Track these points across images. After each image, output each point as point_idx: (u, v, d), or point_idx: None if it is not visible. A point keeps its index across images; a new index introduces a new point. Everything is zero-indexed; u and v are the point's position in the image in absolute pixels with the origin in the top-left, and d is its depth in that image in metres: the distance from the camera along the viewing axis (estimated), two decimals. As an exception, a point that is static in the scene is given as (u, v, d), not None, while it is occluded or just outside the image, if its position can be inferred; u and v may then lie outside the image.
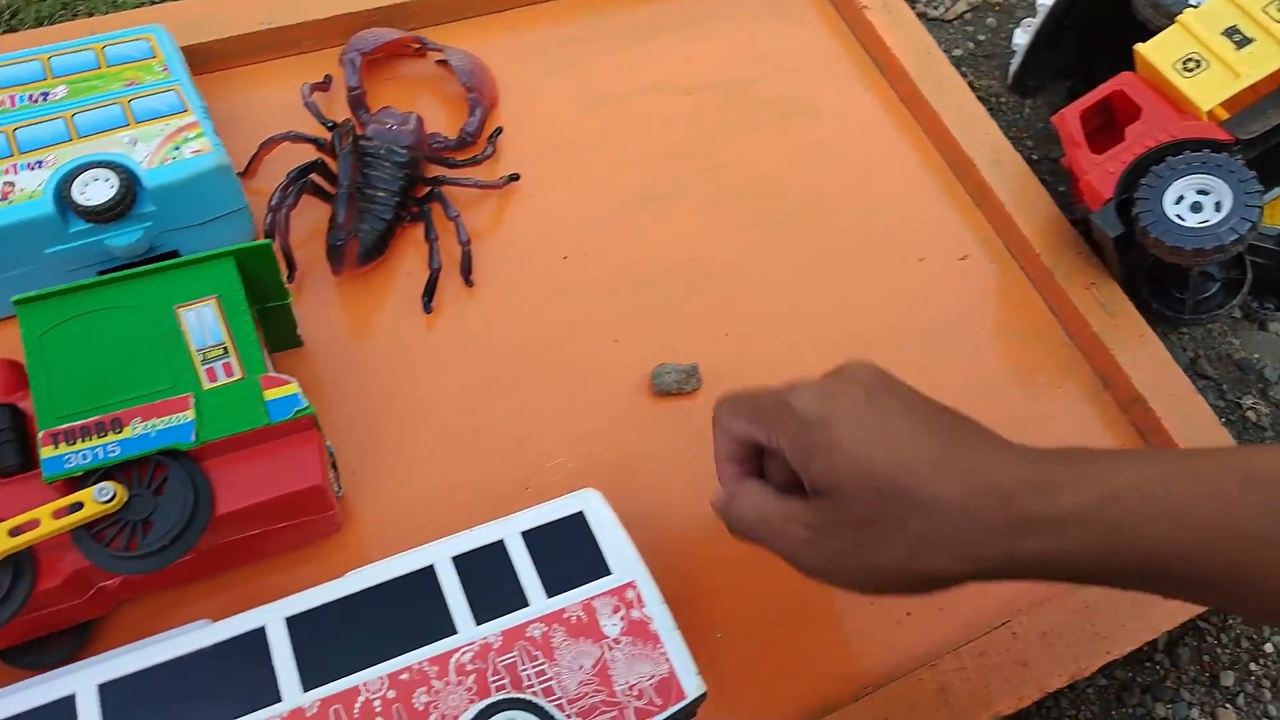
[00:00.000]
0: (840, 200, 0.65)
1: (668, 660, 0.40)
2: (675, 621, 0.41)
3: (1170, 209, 0.56)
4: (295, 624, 0.39)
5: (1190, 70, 0.59)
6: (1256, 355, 0.68)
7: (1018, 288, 0.63)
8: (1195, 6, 0.62)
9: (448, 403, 0.54)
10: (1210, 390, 0.66)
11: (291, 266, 0.55)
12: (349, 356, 0.54)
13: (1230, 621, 0.59)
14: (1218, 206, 0.55)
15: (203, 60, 0.60)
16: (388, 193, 0.55)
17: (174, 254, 0.53)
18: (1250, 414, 0.65)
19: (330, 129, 0.58)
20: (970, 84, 0.78)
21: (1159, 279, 0.65)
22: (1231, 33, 0.59)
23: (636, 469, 0.53)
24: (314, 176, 0.55)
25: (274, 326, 0.51)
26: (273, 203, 0.54)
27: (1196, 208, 0.56)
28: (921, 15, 0.81)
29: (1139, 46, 0.61)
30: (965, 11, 0.81)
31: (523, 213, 0.61)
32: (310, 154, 0.57)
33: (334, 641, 0.39)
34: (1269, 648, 0.58)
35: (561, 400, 0.55)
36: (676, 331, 0.58)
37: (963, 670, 0.48)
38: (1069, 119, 0.62)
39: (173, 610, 0.46)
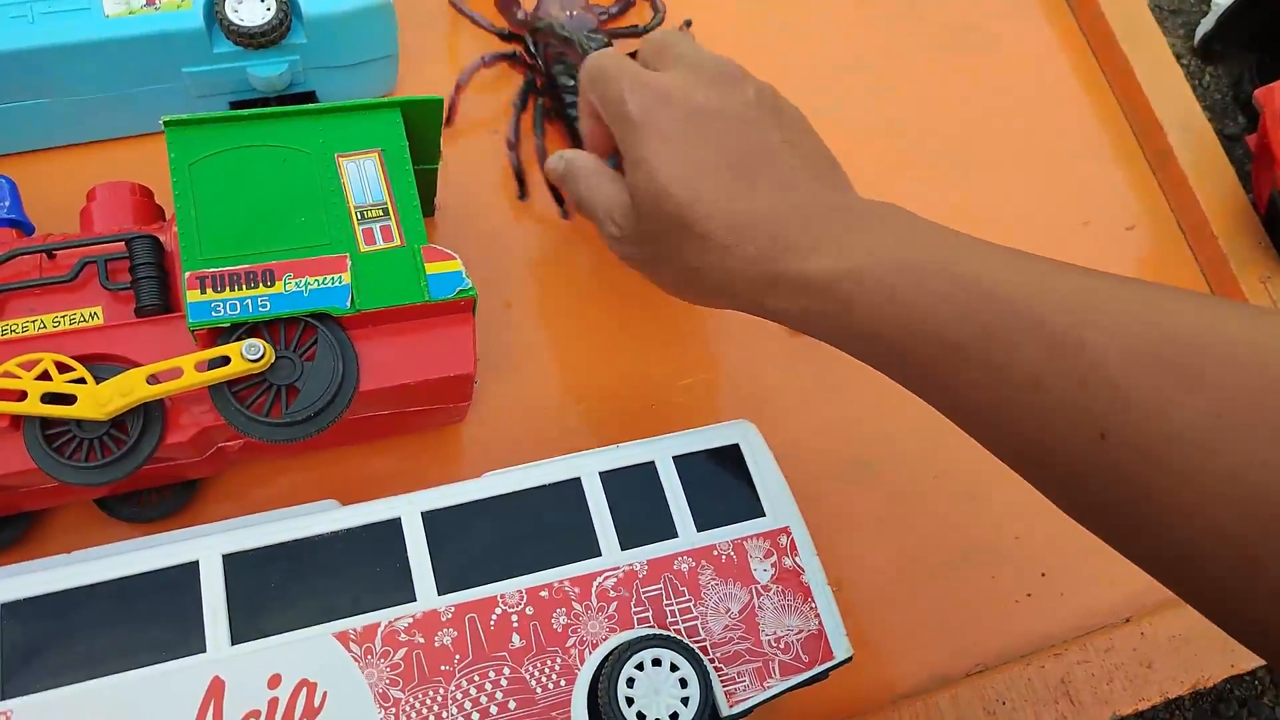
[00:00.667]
0: (1006, 145, 0.60)
1: (817, 616, 0.38)
2: (826, 576, 0.39)
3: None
4: (432, 520, 0.37)
5: None
6: None
7: (1185, 269, 0.59)
8: None
9: (583, 303, 0.50)
10: None
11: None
12: (482, 234, 0.51)
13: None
14: None
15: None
16: None
17: (311, 95, 0.48)
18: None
19: (511, 37, 0.52)
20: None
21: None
22: None
23: (766, 403, 0.50)
24: (541, 100, 0.51)
25: (421, 191, 0.46)
26: (511, 140, 0.50)
27: None
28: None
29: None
30: (1158, -41, 0.74)
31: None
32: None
33: (472, 546, 0.36)
34: (1373, 680, 0.56)
35: (701, 320, 0.51)
36: (825, 261, 0.54)
37: (1086, 663, 0.46)
38: (1273, 94, 0.57)
39: (280, 478, 0.44)
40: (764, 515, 0.39)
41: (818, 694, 0.42)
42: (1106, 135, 0.61)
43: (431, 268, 0.38)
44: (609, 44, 0.50)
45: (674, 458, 0.40)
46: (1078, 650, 0.46)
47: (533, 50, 0.51)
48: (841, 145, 0.56)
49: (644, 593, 0.37)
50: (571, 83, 0.49)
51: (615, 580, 0.37)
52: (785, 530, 0.39)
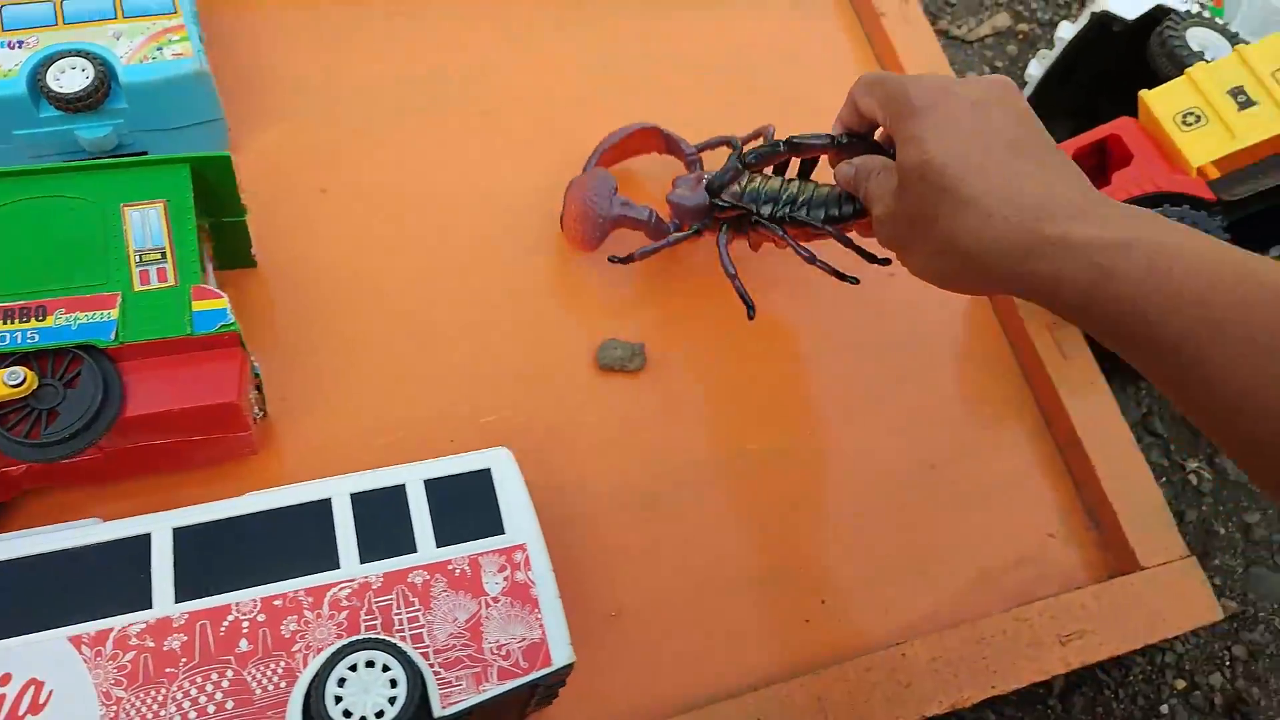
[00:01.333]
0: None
1: (541, 626, 0.40)
2: (558, 590, 0.42)
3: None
4: (181, 535, 0.40)
5: (1189, 124, 0.58)
6: (1212, 420, 0.67)
7: (981, 315, 0.63)
8: (1209, 61, 0.61)
9: (392, 344, 0.54)
10: (1156, 448, 0.66)
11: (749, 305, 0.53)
12: (304, 283, 0.55)
13: (1131, 678, 0.59)
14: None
15: (206, -33, 0.60)
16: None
17: (143, 154, 0.53)
18: (1192, 477, 0.65)
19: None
20: (978, 106, 0.77)
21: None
22: (1236, 93, 0.58)
23: (566, 438, 0.54)
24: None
25: (228, 242, 0.51)
26: (730, 271, 0.53)
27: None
28: (943, 32, 0.80)
29: (1144, 93, 0.60)
30: (988, 35, 0.80)
31: (505, 165, 0.61)
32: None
33: (216, 559, 0.39)
34: (1164, 709, 0.58)
35: (505, 358, 0.55)
36: (632, 310, 0.58)
37: (844, 681, 0.48)
38: (1059, 155, 0.62)
39: (77, 508, 0.46)
40: (503, 533, 0.42)
41: (580, 712, 0.45)
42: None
43: (199, 305, 0.42)
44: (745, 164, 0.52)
45: (425, 480, 0.43)
46: (837, 669, 0.49)
47: (723, 207, 0.52)
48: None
49: (376, 602, 0.39)
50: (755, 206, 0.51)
51: (350, 591, 0.40)
52: (521, 547, 0.42)
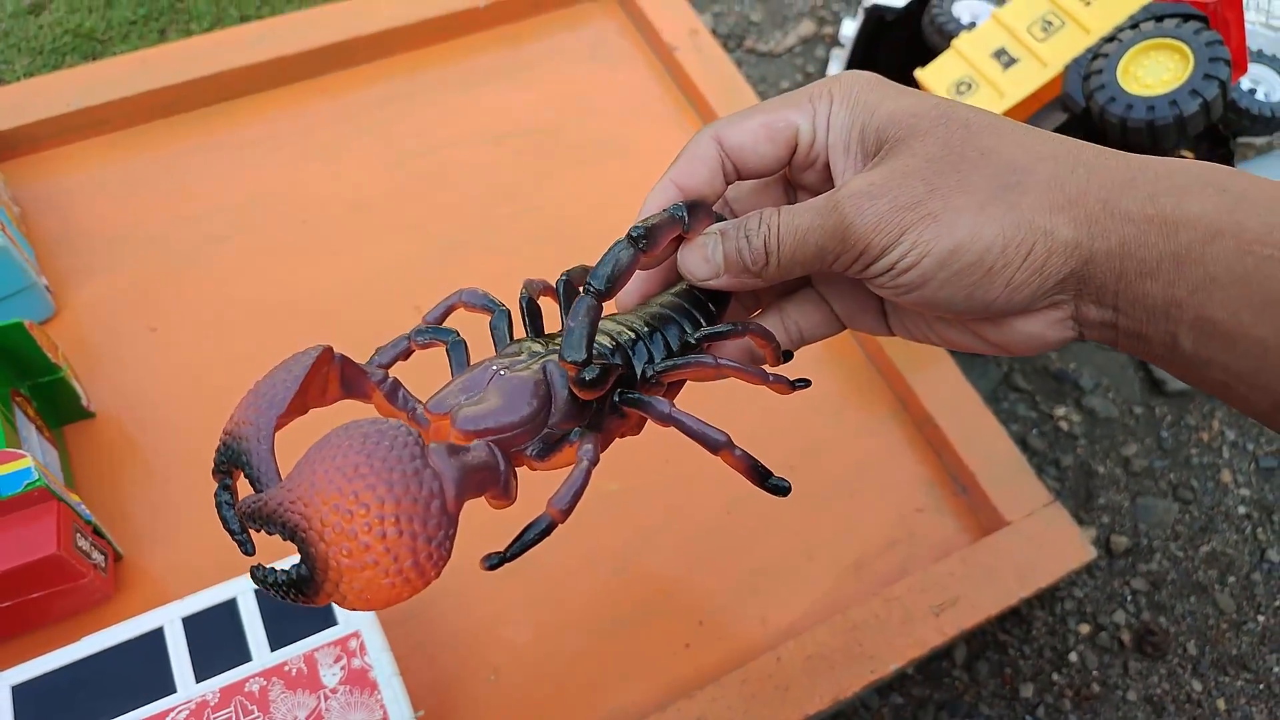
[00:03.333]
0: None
1: (382, 707, 0.41)
2: (396, 668, 0.42)
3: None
4: (19, 691, 0.40)
5: (962, 93, 0.61)
6: (1073, 365, 0.68)
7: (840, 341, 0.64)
8: (971, 29, 0.64)
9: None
10: (1023, 402, 0.67)
11: None
12: (144, 422, 0.56)
13: (1034, 633, 0.59)
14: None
15: (12, 145, 0.63)
16: None
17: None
18: (1062, 423, 0.66)
19: None
20: (796, 114, 0.79)
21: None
22: (1000, 54, 0.60)
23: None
24: None
25: (54, 400, 0.52)
26: None
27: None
28: (751, 50, 0.83)
29: (917, 72, 0.63)
30: (794, 45, 0.83)
31: (327, 270, 0.62)
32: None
33: (57, 706, 0.40)
34: (1073, 657, 0.58)
35: (299, 447, 0.56)
36: (436, 377, 0.59)
37: (721, 699, 0.49)
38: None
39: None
40: (336, 624, 0.43)
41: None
42: (738, 210, 0.68)
43: (3, 468, 0.43)
44: None
45: (255, 590, 0.44)
46: (713, 688, 0.49)
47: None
48: (485, 269, 0.63)
49: (214, 718, 0.40)
50: None
51: (188, 713, 0.40)
52: (355, 634, 0.43)
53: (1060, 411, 0.66)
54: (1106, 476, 0.65)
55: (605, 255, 0.29)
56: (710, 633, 0.53)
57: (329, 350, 0.29)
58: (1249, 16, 0.70)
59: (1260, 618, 0.60)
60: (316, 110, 0.69)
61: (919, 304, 0.28)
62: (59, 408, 0.53)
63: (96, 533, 0.49)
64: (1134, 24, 0.57)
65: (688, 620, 0.53)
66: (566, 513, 0.27)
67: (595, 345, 0.30)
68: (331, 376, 0.30)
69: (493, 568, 0.27)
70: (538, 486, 0.33)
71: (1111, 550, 0.62)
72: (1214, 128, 0.62)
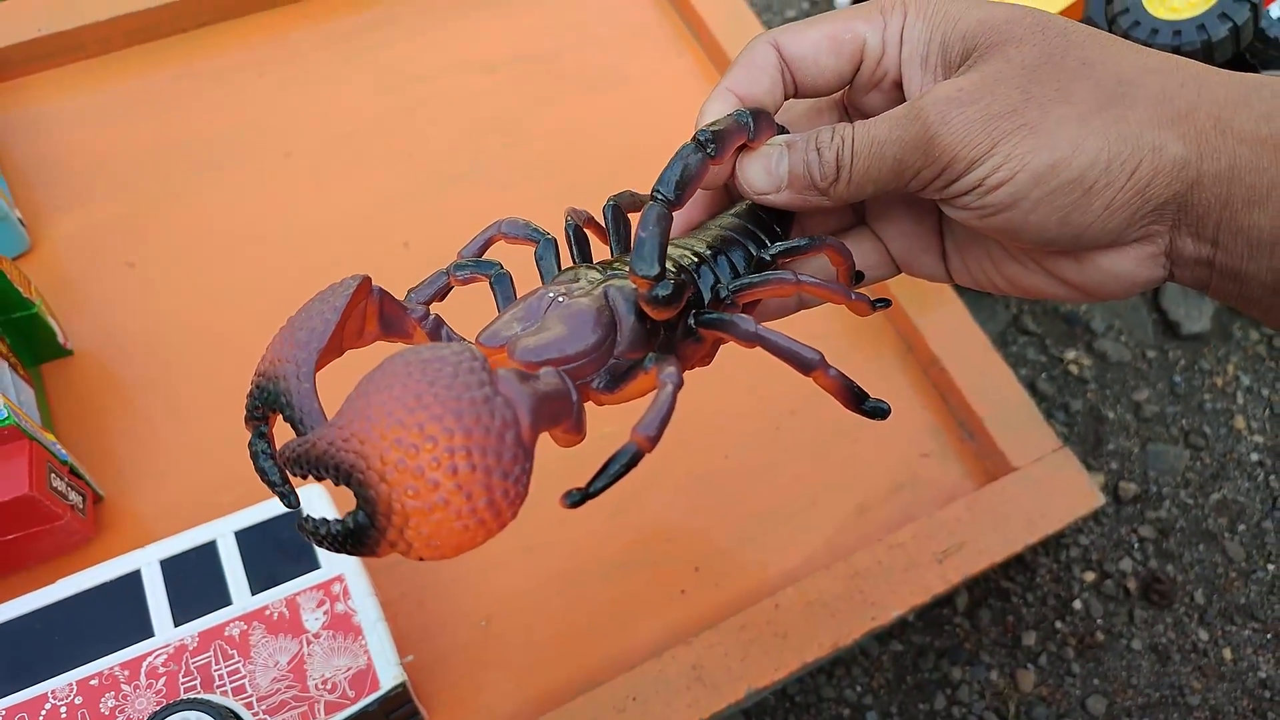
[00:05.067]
0: (649, 169, 0.63)
1: (366, 653, 0.40)
2: (381, 613, 0.41)
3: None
4: (-4, 634, 0.39)
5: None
6: (1084, 308, 0.66)
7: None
8: None
9: (218, 400, 0.53)
10: (1032, 345, 0.65)
11: None
12: (123, 360, 0.54)
13: (1038, 580, 0.58)
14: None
15: (-18, 70, 0.60)
16: None
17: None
18: (1072, 367, 0.64)
19: None
20: (802, 44, 0.76)
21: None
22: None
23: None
24: None
25: (29, 337, 0.50)
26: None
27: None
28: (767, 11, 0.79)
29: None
30: (796, 14, 0.80)
31: (312, 203, 0.60)
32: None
33: (29, 651, 0.39)
34: (1077, 605, 0.57)
35: (338, 391, 0.54)
36: (457, 320, 0.57)
37: (719, 645, 0.48)
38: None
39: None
40: (319, 567, 0.42)
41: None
42: (741, 144, 0.65)
43: (-29, 409, 0.42)
44: None
45: (235, 532, 0.42)
46: (710, 634, 0.48)
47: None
48: (480, 202, 0.61)
49: (193, 663, 0.39)
50: None
51: (165, 657, 0.39)
52: (339, 578, 0.41)
53: (1070, 355, 0.64)
54: (1116, 422, 0.63)
55: (672, 161, 0.26)
56: (707, 579, 0.52)
57: (367, 280, 0.27)
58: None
59: (1270, 566, 0.59)
60: (301, 36, 0.66)
61: (1004, 229, 0.25)
62: (35, 345, 0.51)
63: (74, 473, 0.47)
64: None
65: (684, 566, 0.52)
66: (654, 440, 0.25)
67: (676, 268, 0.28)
68: (370, 311, 0.28)
69: (574, 505, 0.24)
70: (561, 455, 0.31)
71: (1120, 497, 0.60)
72: (1242, 57, 0.59)
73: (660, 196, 0.25)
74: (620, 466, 0.25)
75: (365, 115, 0.64)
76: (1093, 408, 0.63)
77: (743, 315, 0.27)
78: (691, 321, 0.28)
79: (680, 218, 0.32)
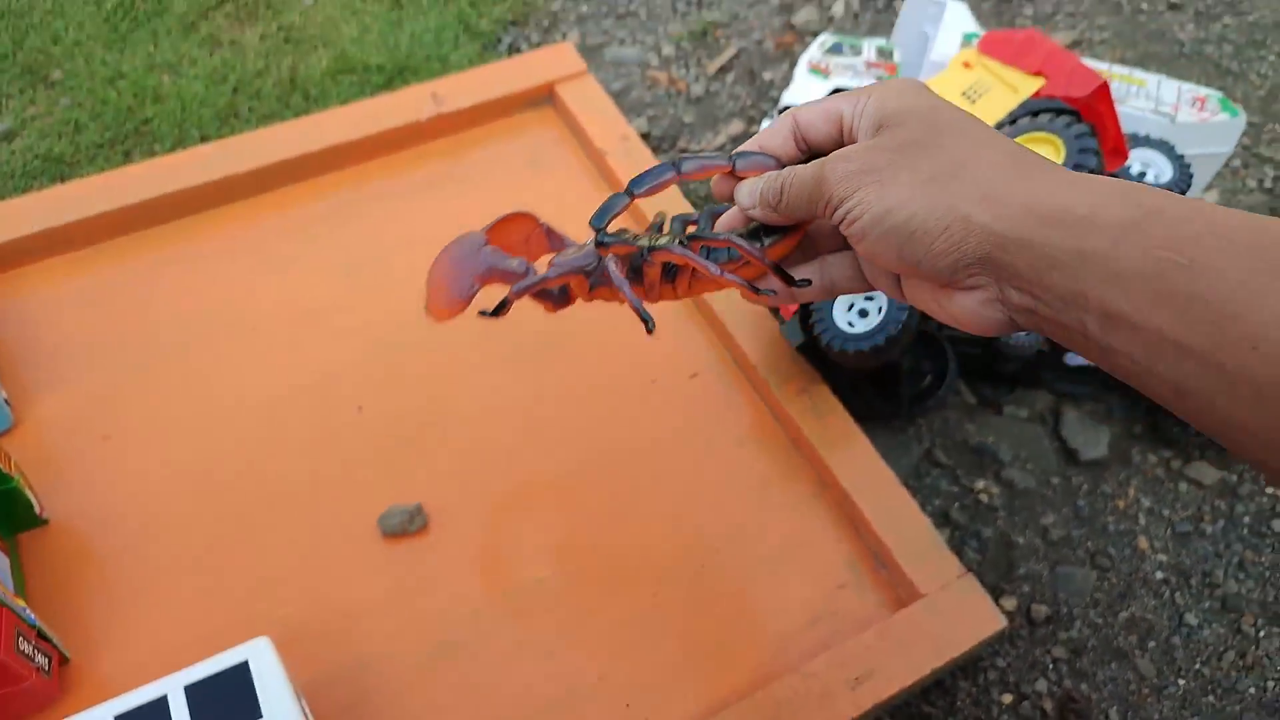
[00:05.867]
0: (577, 334, 0.70)
1: (304, 798, 0.43)
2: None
3: (842, 317, 0.61)
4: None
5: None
6: (992, 439, 0.71)
7: (745, 400, 0.68)
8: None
9: (184, 564, 0.58)
10: (945, 477, 0.70)
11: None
12: (95, 529, 0.59)
13: (958, 704, 0.61)
14: (879, 311, 0.60)
15: (-25, 266, 0.67)
16: None
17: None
18: (983, 496, 0.69)
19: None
20: (726, 209, 0.84)
21: (878, 379, 0.69)
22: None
23: (364, 609, 0.57)
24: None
25: (7, 509, 0.55)
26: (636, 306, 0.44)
27: (864, 314, 0.61)
28: (684, 150, 0.88)
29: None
30: (724, 143, 0.89)
31: (278, 370, 0.66)
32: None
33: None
34: (996, 726, 0.60)
35: (294, 547, 0.59)
36: (409, 474, 0.62)
37: (644, 779, 0.50)
38: (770, 241, 0.68)
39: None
40: (262, 717, 0.45)
41: None
42: (665, 306, 0.72)
43: (-52, 579, 0.46)
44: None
45: (186, 686, 0.46)
46: (636, 769, 0.51)
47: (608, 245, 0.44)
48: (421, 369, 0.65)
49: (142, 816, 0.42)
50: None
51: (117, 811, 0.42)
52: (281, 727, 0.45)
53: (980, 484, 0.69)
54: (1026, 546, 0.67)
55: (650, 173, 0.41)
56: (638, 714, 0.55)
57: (532, 216, 0.51)
58: (1139, 104, 0.75)
59: (1181, 681, 0.62)
60: (269, 223, 0.74)
61: (868, 255, 0.35)
62: (13, 517, 0.56)
63: (41, 636, 0.51)
64: (1013, 119, 0.62)
65: (616, 703, 0.55)
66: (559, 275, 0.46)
67: (629, 236, 0.42)
68: (538, 236, 0.51)
69: (485, 315, 0.48)
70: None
71: (1033, 619, 0.64)
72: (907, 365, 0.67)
73: (626, 190, 0.41)
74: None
75: (325, 292, 0.70)
76: (1003, 534, 0.67)
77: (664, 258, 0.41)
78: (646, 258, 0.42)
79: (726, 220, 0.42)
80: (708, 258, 0.40)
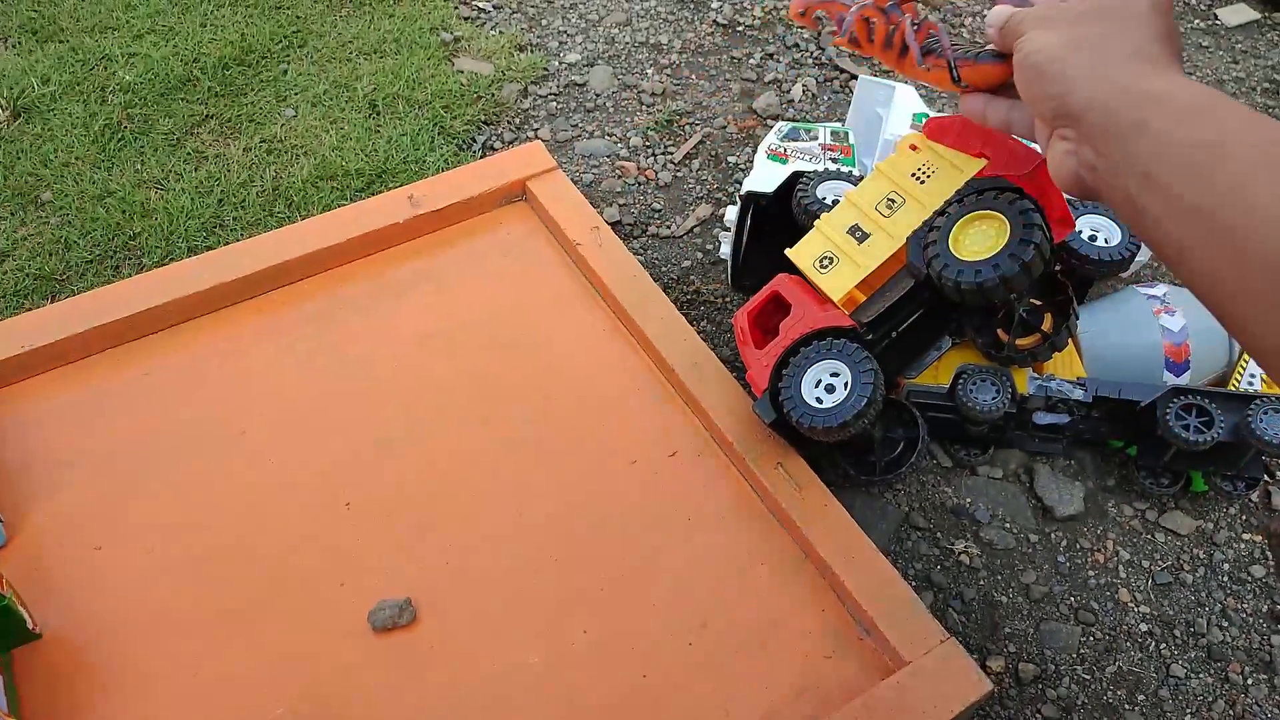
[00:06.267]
0: (559, 419, 0.72)
1: None
2: None
3: (809, 393, 0.63)
4: None
5: (825, 267, 0.68)
6: (969, 500, 0.73)
7: (724, 476, 0.69)
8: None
9: (180, 668, 0.58)
10: (925, 540, 0.71)
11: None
12: (88, 641, 0.59)
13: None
14: (845, 386, 0.62)
15: (-28, 387, 0.69)
16: None
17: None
18: (964, 557, 0.70)
19: None
20: (699, 289, 0.87)
21: (852, 447, 0.71)
22: (854, 230, 0.68)
23: (363, 707, 0.58)
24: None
25: (1, 626, 0.56)
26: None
27: (831, 389, 0.63)
28: (655, 235, 0.91)
29: (787, 251, 0.70)
30: (694, 226, 0.92)
31: (267, 470, 0.67)
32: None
33: None
34: (991, 789, 0.60)
35: (287, 650, 0.60)
36: (398, 567, 0.63)
37: None
38: (738, 320, 0.71)
39: None
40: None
41: None
42: (644, 386, 0.74)
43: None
44: None
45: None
46: None
47: None
48: (410, 462, 0.68)
49: None
50: None
51: None
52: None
53: (960, 545, 0.70)
54: (1009, 605, 0.68)
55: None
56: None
57: None
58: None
59: (1172, 733, 0.63)
60: (254, 329, 0.76)
61: (1017, 81, 0.45)
62: (5, 633, 0.57)
63: (35, 755, 0.51)
64: (960, 198, 0.65)
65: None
66: None
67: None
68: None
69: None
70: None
71: (1020, 678, 0.65)
72: (1052, 277, 0.69)
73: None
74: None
75: (310, 391, 0.72)
76: (986, 594, 0.68)
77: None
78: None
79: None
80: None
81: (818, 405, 0.63)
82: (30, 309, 0.82)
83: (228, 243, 0.86)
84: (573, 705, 0.58)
